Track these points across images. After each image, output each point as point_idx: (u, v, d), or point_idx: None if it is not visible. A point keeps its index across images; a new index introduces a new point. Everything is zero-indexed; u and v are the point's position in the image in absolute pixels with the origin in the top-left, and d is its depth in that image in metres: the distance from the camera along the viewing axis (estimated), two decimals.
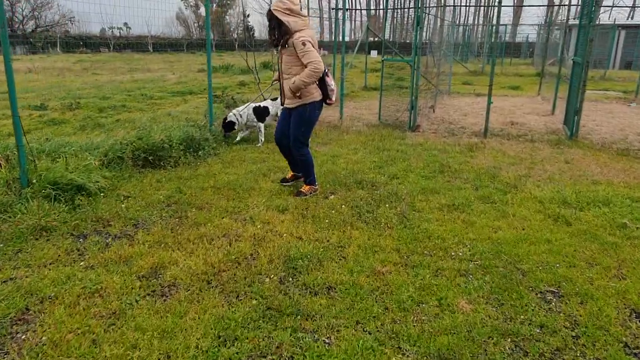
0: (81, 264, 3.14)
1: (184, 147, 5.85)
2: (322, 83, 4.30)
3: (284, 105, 4.50)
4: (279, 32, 4.16)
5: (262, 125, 6.80)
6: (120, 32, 53.61)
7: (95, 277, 2.93)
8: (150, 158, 5.31)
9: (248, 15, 61.11)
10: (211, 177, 5.08)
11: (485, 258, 3.31)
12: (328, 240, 3.58)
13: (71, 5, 49.41)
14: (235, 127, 6.73)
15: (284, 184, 4.91)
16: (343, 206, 4.29)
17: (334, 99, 4.46)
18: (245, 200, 4.42)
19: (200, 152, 5.87)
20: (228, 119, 6.65)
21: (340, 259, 3.29)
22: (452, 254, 3.38)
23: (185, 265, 3.13)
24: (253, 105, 6.78)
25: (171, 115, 8.55)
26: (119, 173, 4.96)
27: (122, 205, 4.17)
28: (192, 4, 62.73)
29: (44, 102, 10.18)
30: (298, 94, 4.24)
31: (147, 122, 7.78)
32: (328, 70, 4.36)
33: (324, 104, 4.48)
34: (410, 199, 4.49)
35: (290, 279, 3.01)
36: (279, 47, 4.26)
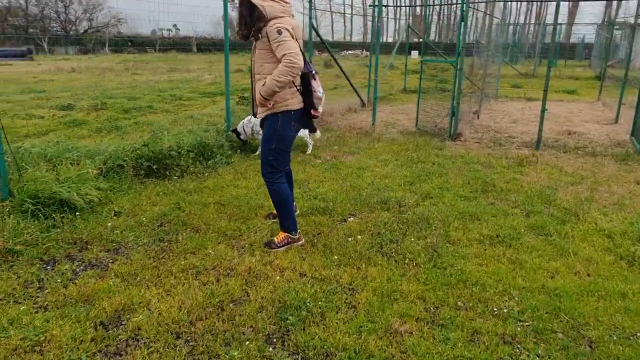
0: (35, 302, 2.62)
1: (195, 155, 5.33)
2: (305, 88, 3.20)
3: (257, 116, 3.34)
4: (251, 19, 3.11)
5: None
6: (169, 33, 54.89)
7: (43, 323, 2.39)
8: (155, 167, 4.81)
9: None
10: (217, 191, 4.52)
11: (538, 317, 2.54)
12: (337, 281, 2.91)
13: (122, 6, 51.00)
14: (241, 137, 6.12)
15: (268, 219, 3.87)
16: (362, 234, 3.60)
17: (320, 109, 3.32)
18: (250, 220, 3.81)
19: (211, 161, 5.33)
20: (237, 127, 6.06)
21: (348, 309, 2.61)
22: (495, 308, 2.63)
23: (157, 309, 2.55)
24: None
25: (193, 118, 8.12)
26: (117, 184, 4.49)
27: (109, 224, 3.66)
28: (236, 5, 63.31)
29: (73, 102, 10.05)
30: (270, 100, 3.10)
31: (165, 125, 7.38)
32: (315, 72, 3.29)
33: (305, 117, 3.31)
34: (444, 226, 3.74)
35: (280, 337, 2.37)
36: (253, 40, 3.21)
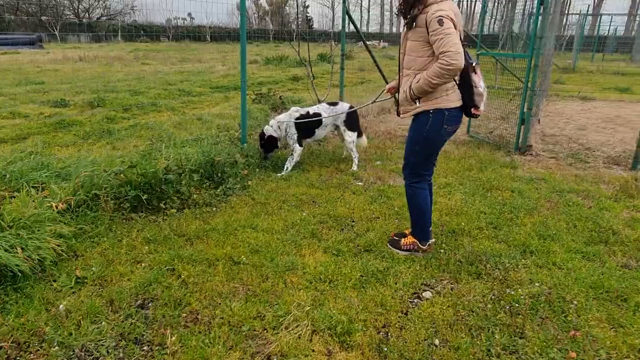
0: None
1: (200, 178, 4.05)
2: (463, 82, 2.75)
3: (402, 117, 3.00)
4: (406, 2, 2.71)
5: (298, 148, 4.78)
6: (184, 22, 53.72)
7: None
8: (145, 197, 3.54)
9: (307, 6, 59.57)
10: (229, 236, 3.23)
11: None
12: None
13: None
14: (279, 145, 4.85)
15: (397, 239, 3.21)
16: (453, 331, 2.28)
17: (482, 107, 2.81)
18: (276, 300, 2.51)
19: (221, 187, 4.03)
20: (267, 134, 4.78)
21: None
22: None
23: None
24: (297, 112, 4.83)
25: (202, 119, 6.82)
26: (90, 225, 3.22)
27: (61, 306, 2.39)
28: None
29: (69, 97, 8.84)
30: (420, 100, 2.78)
31: (167, 129, 6.11)
32: (476, 64, 2.74)
33: (463, 115, 2.85)
34: (579, 316, 2.40)
35: None
36: (403, 27, 2.83)
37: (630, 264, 3.00)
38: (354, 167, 4.88)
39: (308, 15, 59.87)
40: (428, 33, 2.58)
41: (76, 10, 45.64)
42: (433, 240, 3.20)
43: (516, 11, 10.95)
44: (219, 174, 4.16)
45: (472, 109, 2.77)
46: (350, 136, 4.91)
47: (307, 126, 4.75)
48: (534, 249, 3.15)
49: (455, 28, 2.56)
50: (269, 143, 4.78)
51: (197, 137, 5.54)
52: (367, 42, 6.95)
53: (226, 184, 4.06)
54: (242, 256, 2.94)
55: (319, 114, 4.77)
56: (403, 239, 3.12)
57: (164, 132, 6.00)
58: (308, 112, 4.80)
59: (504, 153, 5.68)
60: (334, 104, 5.02)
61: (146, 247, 3.03)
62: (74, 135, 5.81)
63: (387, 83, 3.42)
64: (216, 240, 3.17)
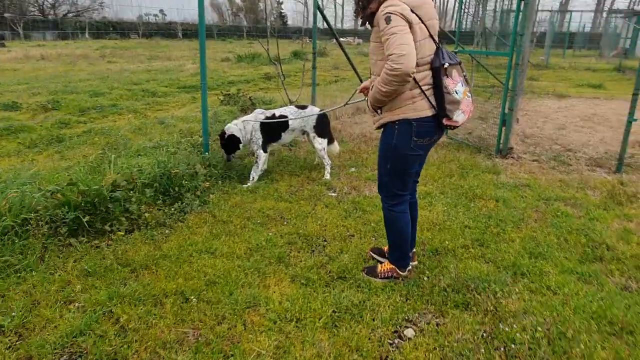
0: None
1: (154, 193, 3.61)
2: (435, 87, 2.35)
3: (373, 125, 2.63)
4: None
5: (262, 154, 4.37)
6: (155, 19, 52.33)
7: None
8: (86, 219, 3.08)
9: (282, 2, 58.90)
10: (182, 266, 2.81)
11: None
12: None
13: None
14: (241, 146, 4.43)
15: (373, 255, 2.99)
16: None
17: (460, 118, 2.37)
18: (233, 348, 2.11)
19: (177, 204, 3.60)
20: (228, 133, 4.35)
21: None
22: None
23: None
24: (262, 115, 4.42)
25: (165, 123, 6.34)
26: (20, 254, 2.76)
27: None
28: None
29: (21, 99, 8.21)
30: (378, 107, 2.45)
31: (125, 135, 5.62)
32: (449, 65, 2.31)
33: (437, 126, 2.41)
34: (585, 353, 2.08)
35: None
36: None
37: (630, 285, 2.71)
38: (327, 176, 4.51)
39: (282, 11, 59.19)
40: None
41: (41, 7, 43.88)
42: (415, 263, 2.87)
43: (488, 8, 10.72)
44: (176, 189, 3.72)
45: (444, 119, 2.35)
46: (320, 143, 4.53)
47: (272, 129, 4.35)
48: (525, 270, 2.84)
49: (411, 25, 2.18)
50: (230, 142, 4.33)
51: (157, 143, 5.08)
52: (342, 39, 6.58)
53: (183, 202, 3.63)
54: (198, 289, 2.53)
55: (285, 116, 4.38)
56: (380, 266, 2.76)
57: (121, 138, 5.51)
58: (274, 115, 4.40)
59: (484, 156, 5.40)
60: (303, 107, 4.62)
61: (82, 283, 2.59)
62: (19, 143, 5.27)
63: (361, 82, 3.03)
64: (167, 270, 2.75)
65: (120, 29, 42.15)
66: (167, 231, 3.27)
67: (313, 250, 3.09)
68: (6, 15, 38.50)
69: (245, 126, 4.33)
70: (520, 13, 5.02)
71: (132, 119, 6.84)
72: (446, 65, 2.29)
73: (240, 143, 4.33)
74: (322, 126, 4.55)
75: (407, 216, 2.62)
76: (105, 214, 3.23)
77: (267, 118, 4.36)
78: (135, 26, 43.93)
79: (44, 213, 3.02)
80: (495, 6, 11.12)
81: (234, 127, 4.31)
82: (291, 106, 4.58)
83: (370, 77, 2.59)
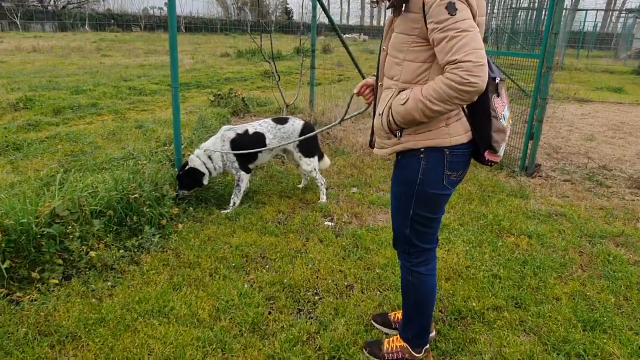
0: None
1: (106, 224, 2.89)
2: (476, 108, 1.63)
3: (375, 152, 1.89)
4: None
5: (244, 176, 3.61)
6: (160, 12, 51.48)
7: None
8: (4, 265, 2.37)
9: None
10: (123, 337, 2.09)
11: None
12: None
13: None
14: (205, 182, 3.56)
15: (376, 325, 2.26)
16: None
17: (501, 150, 1.69)
18: None
19: (133, 240, 2.87)
20: (189, 165, 3.51)
21: None
22: None
23: None
24: (231, 132, 3.61)
25: (143, 127, 5.61)
26: None
27: None
28: None
29: None
30: (399, 130, 1.72)
31: (95, 142, 4.91)
32: (501, 80, 1.61)
33: (472, 157, 1.78)
34: None
35: None
36: (390, 14, 1.74)
37: None
38: (322, 199, 3.78)
39: (288, 6, 58.31)
40: (426, 24, 1.54)
41: None
42: (433, 334, 2.15)
43: (503, 4, 9.97)
44: (135, 219, 3.00)
45: (486, 153, 1.68)
46: (308, 164, 3.74)
47: (248, 148, 3.54)
48: (582, 349, 2.12)
49: (475, 18, 1.50)
50: (188, 177, 3.49)
51: (127, 154, 4.37)
52: (347, 35, 5.84)
53: (142, 236, 2.91)
54: None
55: (261, 135, 3.62)
56: (387, 341, 2.05)
57: (88, 145, 4.79)
58: (247, 132, 3.61)
59: (507, 174, 4.66)
60: (283, 120, 3.76)
61: None
62: None
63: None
64: (100, 344, 2.03)
65: (122, 22, 41.42)
66: (114, 278, 2.55)
67: (300, 310, 2.38)
68: (4, 4, 37.81)
69: (211, 157, 3.54)
70: (555, 7, 4.27)
71: (108, 122, 6.11)
72: (497, 80, 1.60)
73: (204, 177, 3.51)
74: (308, 141, 3.73)
75: (433, 279, 1.93)
76: (36, 254, 2.52)
77: (238, 135, 3.58)
78: (138, 19, 43.15)
79: None
80: (510, 2, 10.36)
81: (197, 161, 3.48)
82: (268, 120, 3.76)
83: (376, 84, 1.86)
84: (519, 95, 7.40)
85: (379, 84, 1.81)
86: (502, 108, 1.63)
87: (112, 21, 41.31)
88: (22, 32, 32.15)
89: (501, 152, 1.70)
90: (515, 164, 4.82)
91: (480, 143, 1.67)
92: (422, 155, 1.70)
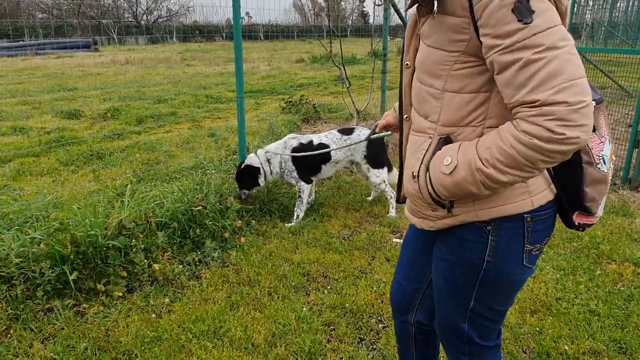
0: None
1: (170, 235, 2.89)
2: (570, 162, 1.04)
3: (412, 221, 1.29)
4: None
5: (305, 186, 3.46)
6: (242, 21, 53.93)
7: None
8: (72, 277, 2.41)
9: (363, 1, 58.03)
10: (176, 357, 2.03)
11: None
12: None
13: None
14: (261, 181, 3.51)
15: None
16: None
17: (600, 211, 1.11)
18: None
19: (194, 254, 2.84)
20: (246, 163, 3.48)
21: None
22: None
23: None
24: (295, 140, 3.50)
25: (215, 136, 5.72)
26: None
27: None
28: None
29: (93, 105, 8.16)
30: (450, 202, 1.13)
31: (170, 151, 5.06)
32: (598, 104, 1.01)
33: (556, 219, 1.18)
34: None
35: None
36: (416, 15, 1.14)
37: None
38: (392, 212, 3.54)
39: (364, 9, 58.23)
40: (479, 35, 1.00)
41: (135, 13, 46.85)
42: None
43: None
44: (197, 232, 2.97)
45: (576, 215, 1.16)
46: (377, 176, 3.53)
47: (308, 162, 3.43)
48: None
49: (564, 20, 0.98)
50: (245, 175, 3.44)
51: (198, 163, 4.43)
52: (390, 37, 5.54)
53: (203, 250, 2.87)
54: None
55: (325, 146, 3.44)
56: None
57: (163, 154, 4.94)
58: (311, 142, 3.46)
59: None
60: (349, 131, 3.56)
61: None
62: (57, 159, 4.88)
63: None
64: None
65: (207, 32, 43.78)
66: (173, 294, 2.52)
67: (361, 340, 2.17)
68: (104, 21, 41.54)
69: (269, 159, 3.47)
70: None
71: (184, 130, 6.31)
72: (594, 103, 0.99)
73: (260, 176, 3.46)
74: (376, 152, 3.51)
75: None
76: (102, 266, 2.56)
77: (301, 145, 3.45)
78: (220, 29, 45.37)
79: (27, 267, 2.40)
80: None
81: (256, 160, 3.45)
82: (334, 131, 3.58)
83: (399, 117, 1.31)
84: (620, 95, 6.63)
85: (404, 117, 1.28)
86: (600, 147, 1.09)
87: (197, 32, 43.84)
88: (118, 46, 35.05)
89: (600, 212, 1.16)
90: (616, 175, 4.24)
91: (567, 202, 1.16)
92: (489, 228, 1.14)
